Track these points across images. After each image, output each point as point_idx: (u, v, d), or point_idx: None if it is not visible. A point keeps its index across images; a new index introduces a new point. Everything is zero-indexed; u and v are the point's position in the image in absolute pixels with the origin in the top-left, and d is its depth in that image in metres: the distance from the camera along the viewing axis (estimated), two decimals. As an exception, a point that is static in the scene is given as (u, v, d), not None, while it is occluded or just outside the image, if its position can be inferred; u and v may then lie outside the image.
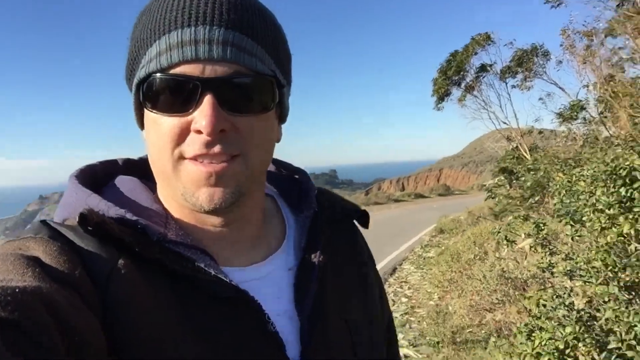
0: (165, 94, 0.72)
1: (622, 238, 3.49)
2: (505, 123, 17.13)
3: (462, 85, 17.80)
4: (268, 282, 0.83)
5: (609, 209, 3.51)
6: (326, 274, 0.87)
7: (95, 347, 0.61)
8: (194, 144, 0.73)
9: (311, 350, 0.81)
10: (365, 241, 1.03)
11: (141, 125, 0.80)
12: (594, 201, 3.81)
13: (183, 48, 0.70)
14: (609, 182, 3.59)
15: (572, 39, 14.08)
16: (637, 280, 3.80)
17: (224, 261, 0.80)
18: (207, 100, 0.70)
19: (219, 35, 0.70)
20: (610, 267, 3.81)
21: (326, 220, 0.93)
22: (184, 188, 0.75)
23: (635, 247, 3.46)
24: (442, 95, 17.80)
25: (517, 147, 15.96)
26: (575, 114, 12.35)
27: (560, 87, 15.95)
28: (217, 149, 0.72)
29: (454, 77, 17.49)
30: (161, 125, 0.73)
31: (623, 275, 3.79)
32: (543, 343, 3.57)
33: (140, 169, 0.90)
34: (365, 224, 0.99)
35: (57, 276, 0.64)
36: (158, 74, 0.71)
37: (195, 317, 0.72)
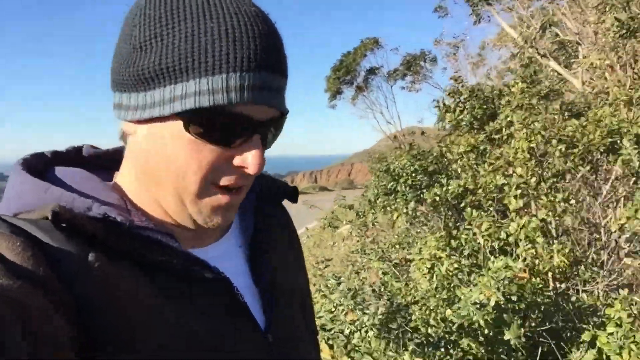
0: (220, 128, 0.73)
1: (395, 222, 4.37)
2: (390, 123, 18.33)
3: (354, 85, 18.86)
4: (226, 259, 0.86)
5: (376, 199, 4.37)
6: (273, 249, 0.94)
7: (64, 347, 0.60)
8: (231, 176, 0.76)
9: (274, 322, 0.86)
10: (289, 216, 1.10)
11: (137, 121, 0.77)
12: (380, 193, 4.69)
13: (247, 91, 0.71)
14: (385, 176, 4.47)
15: (445, 48, 15.45)
16: (405, 256, 4.70)
17: (186, 243, 0.81)
18: (257, 141, 0.74)
19: (275, 82, 0.73)
20: (388, 247, 4.70)
21: (266, 199, 0.99)
22: (203, 209, 0.78)
23: (406, 229, 4.31)
24: (334, 93, 18.77)
25: (399, 145, 17.21)
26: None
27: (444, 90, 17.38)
28: (248, 181, 0.79)
29: (346, 77, 18.49)
30: (202, 151, 0.73)
31: (395, 255, 4.68)
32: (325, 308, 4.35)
33: (72, 160, 0.87)
34: (295, 198, 1.05)
35: (22, 274, 0.62)
36: (222, 108, 0.71)
37: (173, 302, 0.73)
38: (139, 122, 0.76)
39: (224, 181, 0.76)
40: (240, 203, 0.82)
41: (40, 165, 0.82)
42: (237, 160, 0.75)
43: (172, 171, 0.75)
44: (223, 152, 0.74)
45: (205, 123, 0.72)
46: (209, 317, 0.76)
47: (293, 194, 1.03)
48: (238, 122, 0.73)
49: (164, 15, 0.71)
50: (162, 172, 0.76)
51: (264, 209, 0.97)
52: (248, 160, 0.74)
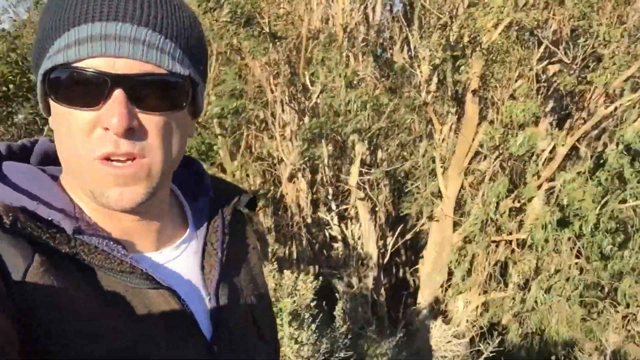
0: (74, 87, 0.68)
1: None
2: None
3: None
4: (177, 267, 0.84)
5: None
6: (227, 256, 0.90)
7: (4, 350, 0.58)
8: (103, 142, 0.69)
9: (222, 330, 0.83)
10: (249, 223, 1.07)
11: (47, 112, 0.76)
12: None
13: (93, 43, 0.67)
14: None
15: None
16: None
17: (134, 251, 0.79)
18: (116, 96, 0.68)
19: (131, 32, 0.68)
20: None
21: (221, 204, 0.94)
22: (94, 186, 0.72)
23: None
24: None
25: None
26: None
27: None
28: (126, 147, 0.69)
29: None
30: (70, 118, 0.69)
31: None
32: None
33: (24, 155, 0.82)
34: (254, 207, 1.01)
35: None
36: (66, 67, 0.68)
37: (118, 308, 0.72)
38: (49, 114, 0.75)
39: (98, 150, 0.69)
40: (153, 182, 0.74)
41: None
42: (103, 123, 0.68)
43: (62, 149, 0.73)
44: (90, 116, 0.68)
45: (61, 85, 0.69)
46: (151, 327, 0.73)
47: (251, 202, 0.99)
48: (92, 78, 0.67)
49: (46, 5, 0.73)
50: (62, 153, 0.74)
51: (219, 214, 0.93)
52: (110, 119, 0.67)
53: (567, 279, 8.02)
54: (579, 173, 8.04)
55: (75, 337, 0.65)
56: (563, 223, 7.86)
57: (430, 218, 8.91)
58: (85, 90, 0.68)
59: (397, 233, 9.77)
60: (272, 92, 8.02)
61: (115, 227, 0.77)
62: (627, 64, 7.52)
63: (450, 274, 8.74)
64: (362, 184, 8.25)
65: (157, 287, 0.74)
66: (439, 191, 8.58)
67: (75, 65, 0.68)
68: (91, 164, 0.70)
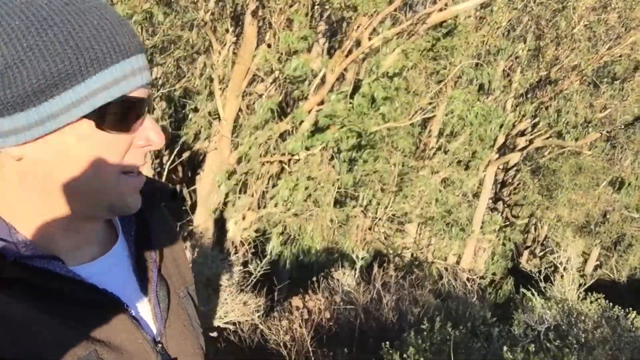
0: (124, 115, 0.74)
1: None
2: None
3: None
4: (115, 271, 0.85)
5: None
6: (158, 253, 0.93)
7: None
8: (136, 158, 0.78)
9: (166, 329, 0.88)
10: (169, 216, 1.09)
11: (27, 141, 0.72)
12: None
13: (138, 74, 0.75)
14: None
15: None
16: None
17: (75, 260, 0.80)
18: (150, 118, 0.79)
19: (144, 61, 0.77)
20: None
21: (146, 205, 0.92)
22: (117, 198, 0.79)
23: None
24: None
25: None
26: None
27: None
28: (148, 158, 0.86)
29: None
30: (113, 143, 0.75)
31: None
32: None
33: None
34: (175, 199, 1.03)
35: None
36: (124, 97, 0.74)
37: (66, 327, 0.73)
38: (27, 142, 0.71)
39: (133, 165, 0.78)
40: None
41: None
42: (141, 141, 0.78)
43: (84, 175, 0.75)
44: (129, 138, 0.76)
45: (115, 115, 0.74)
46: (103, 337, 0.76)
47: (172, 195, 1.02)
48: (136, 106, 0.76)
49: (31, 25, 0.68)
50: (71, 181, 0.75)
51: (145, 213, 0.93)
52: (151, 137, 0.78)
53: (323, 188, 8.97)
54: (341, 93, 8.85)
55: None
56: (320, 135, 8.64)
57: (208, 139, 8.93)
58: (131, 116, 0.76)
59: (174, 152, 9.63)
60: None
61: (51, 242, 0.78)
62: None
63: (226, 194, 9.03)
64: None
65: (101, 297, 0.77)
66: (217, 112, 8.60)
67: (131, 95, 0.75)
68: (118, 179, 0.77)
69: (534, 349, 3.84)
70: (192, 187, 10.41)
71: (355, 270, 6.83)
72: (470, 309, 5.66)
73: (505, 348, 3.73)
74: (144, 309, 0.87)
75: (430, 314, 4.79)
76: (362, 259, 7.03)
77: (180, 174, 11.83)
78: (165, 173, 9.46)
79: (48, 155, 0.73)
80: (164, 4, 7.91)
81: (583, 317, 4.65)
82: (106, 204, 0.79)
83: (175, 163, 10.29)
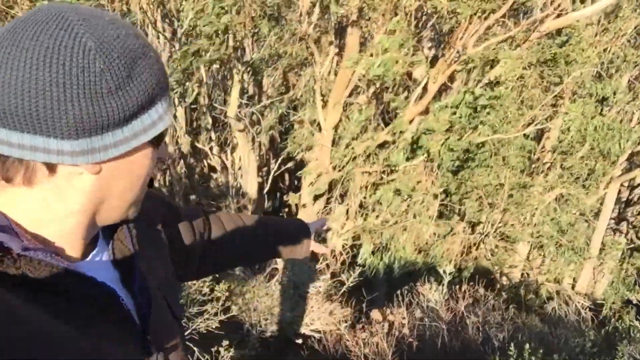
0: (163, 136, 0.90)
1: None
2: None
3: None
4: (104, 271, 0.91)
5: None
6: (136, 246, 0.98)
7: None
8: (155, 170, 0.91)
9: (151, 323, 0.92)
10: (158, 200, 1.19)
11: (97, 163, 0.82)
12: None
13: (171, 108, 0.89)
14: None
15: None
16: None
17: (70, 258, 0.85)
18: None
19: None
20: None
21: None
22: (137, 205, 0.92)
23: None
24: None
25: None
26: None
27: None
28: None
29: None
30: (151, 160, 0.88)
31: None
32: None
33: None
34: (151, 184, 1.08)
35: None
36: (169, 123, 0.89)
37: (69, 320, 0.76)
38: (110, 159, 0.81)
39: (151, 176, 0.91)
40: None
41: None
42: (160, 157, 0.92)
43: (135, 189, 0.88)
44: (156, 154, 0.90)
45: (162, 137, 0.89)
46: (102, 330, 0.81)
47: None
48: (167, 129, 0.88)
49: (125, 56, 0.77)
50: (123, 195, 0.87)
51: None
52: (165, 151, 0.93)
53: (423, 201, 8.75)
54: (445, 103, 8.61)
55: (28, 354, 0.68)
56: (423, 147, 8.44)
57: (310, 149, 9.12)
58: (163, 136, 0.90)
59: (279, 160, 9.95)
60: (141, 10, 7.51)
61: (49, 242, 0.83)
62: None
63: (328, 203, 9.14)
64: (241, 116, 8.19)
65: (100, 290, 0.83)
66: (319, 123, 8.76)
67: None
68: (146, 187, 0.91)
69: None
70: (298, 194, 10.67)
71: (443, 285, 6.58)
72: (572, 337, 5.21)
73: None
74: (129, 301, 0.92)
75: (520, 338, 4.48)
76: (450, 274, 6.76)
77: (287, 182, 12.18)
78: (270, 180, 9.80)
79: (115, 174, 0.83)
80: (272, 18, 8.24)
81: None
82: (130, 211, 0.90)
83: (281, 170, 10.60)
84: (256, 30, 8.01)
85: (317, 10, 8.14)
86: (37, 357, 0.70)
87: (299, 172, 11.55)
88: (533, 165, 11.48)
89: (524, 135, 10.31)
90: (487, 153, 9.86)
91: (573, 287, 11.52)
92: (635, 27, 10.45)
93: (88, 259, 0.90)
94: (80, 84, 0.72)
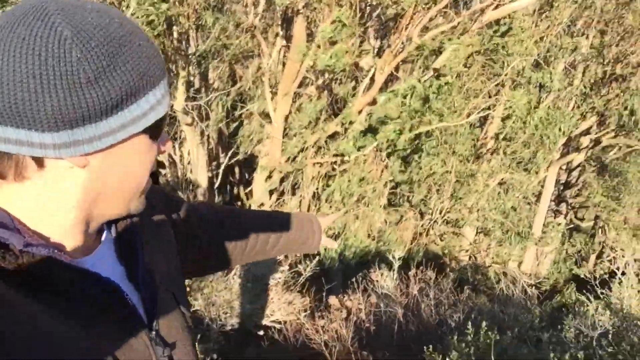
0: (161, 127, 0.85)
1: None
2: None
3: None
4: (105, 264, 0.88)
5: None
6: (142, 240, 0.95)
7: None
8: (155, 161, 0.88)
9: (157, 317, 0.91)
10: (159, 195, 1.15)
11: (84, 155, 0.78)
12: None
13: (169, 92, 0.85)
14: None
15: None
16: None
17: (73, 256, 0.83)
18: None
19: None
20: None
21: None
22: (141, 199, 0.89)
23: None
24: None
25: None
26: None
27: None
28: None
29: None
30: (151, 152, 0.84)
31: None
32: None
33: None
34: (156, 181, 1.06)
35: None
36: (166, 113, 0.84)
37: (70, 319, 0.75)
38: (96, 151, 0.77)
39: (153, 169, 0.88)
40: None
41: None
42: (162, 148, 0.89)
43: (132, 182, 0.85)
44: (157, 146, 0.86)
45: (158, 127, 0.84)
46: (104, 328, 0.79)
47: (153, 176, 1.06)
48: (166, 118, 0.85)
49: (105, 45, 0.73)
50: (120, 188, 0.83)
51: None
52: (167, 145, 0.90)
53: (374, 189, 8.89)
54: (391, 92, 8.77)
55: (28, 352, 0.68)
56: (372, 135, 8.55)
57: (261, 142, 9.07)
58: (162, 127, 0.86)
59: (230, 153, 9.85)
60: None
61: (58, 240, 0.81)
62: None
63: (281, 194, 9.13)
64: (188, 110, 8.05)
65: (104, 286, 0.81)
66: (269, 115, 8.72)
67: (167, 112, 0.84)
68: (145, 180, 0.87)
69: (583, 356, 3.63)
70: (249, 188, 10.61)
71: (394, 271, 6.73)
72: (521, 314, 5.44)
73: (552, 355, 3.55)
74: (134, 298, 0.89)
75: (476, 317, 4.65)
76: (400, 259, 6.92)
77: (237, 176, 12.08)
78: (220, 174, 9.69)
79: (106, 167, 0.79)
80: (216, 10, 8.11)
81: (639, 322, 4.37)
82: (132, 205, 0.87)
83: (231, 162, 10.50)
84: (200, 22, 7.87)
85: (262, 1, 8.09)
86: (37, 357, 0.69)
87: (252, 166, 11.50)
88: (479, 151, 11.85)
89: (469, 123, 10.64)
90: (435, 141, 10.11)
91: (519, 267, 12.00)
92: (569, 16, 10.93)
93: (92, 254, 0.87)
94: (57, 75, 0.70)
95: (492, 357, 3.80)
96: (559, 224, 12.61)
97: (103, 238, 0.91)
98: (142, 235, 0.96)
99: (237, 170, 11.93)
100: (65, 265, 0.76)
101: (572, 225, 13.82)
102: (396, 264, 6.83)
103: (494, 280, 10.47)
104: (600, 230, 13.88)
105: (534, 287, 10.19)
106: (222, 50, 8.74)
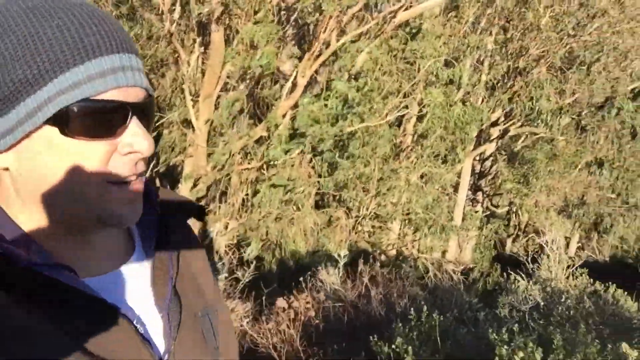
0: (92, 119, 0.69)
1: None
2: None
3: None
4: (129, 288, 0.83)
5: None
6: (177, 268, 0.90)
7: None
8: (124, 167, 0.72)
9: (175, 345, 0.83)
10: (193, 231, 1.05)
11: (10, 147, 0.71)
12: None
13: (112, 75, 0.70)
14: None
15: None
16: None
17: (86, 275, 0.77)
18: (137, 123, 0.72)
19: (133, 61, 0.72)
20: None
21: (169, 218, 0.92)
22: (108, 210, 0.74)
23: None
24: None
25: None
26: None
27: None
28: (142, 167, 0.75)
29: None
30: (82, 150, 0.70)
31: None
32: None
33: None
34: (202, 216, 1.01)
35: None
36: (85, 100, 0.69)
37: (71, 334, 0.71)
38: (1, 152, 0.71)
39: (120, 174, 0.73)
40: (142, 208, 0.79)
41: None
42: (125, 148, 0.72)
43: (62, 185, 0.71)
44: (108, 145, 0.71)
45: (81, 120, 0.69)
46: (104, 352, 0.73)
47: (199, 212, 0.98)
48: (113, 109, 0.71)
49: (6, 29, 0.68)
50: (52, 191, 0.72)
51: (167, 228, 0.91)
52: (137, 143, 0.72)
53: (303, 191, 8.99)
54: (316, 96, 8.91)
55: None
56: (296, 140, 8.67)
57: (183, 152, 8.90)
58: (105, 120, 0.70)
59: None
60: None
61: (65, 253, 0.76)
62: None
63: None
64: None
65: (107, 310, 0.74)
66: (191, 123, 8.58)
67: (98, 98, 0.69)
68: (104, 189, 0.72)
69: (518, 329, 3.88)
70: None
71: (339, 269, 6.86)
72: (457, 297, 5.72)
73: (490, 330, 3.77)
74: (156, 324, 0.83)
75: (417, 304, 4.84)
76: (344, 256, 7.07)
77: (158, 185, 11.76)
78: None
79: (25, 165, 0.72)
80: (128, 19, 7.87)
81: (566, 295, 4.72)
82: (92, 215, 0.75)
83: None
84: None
85: (178, 8, 7.94)
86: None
87: (173, 176, 11.22)
88: (398, 150, 12.27)
89: (388, 123, 10.99)
90: (358, 142, 10.36)
91: (443, 255, 12.54)
92: (473, 15, 11.59)
93: (110, 272, 0.82)
94: None
95: (436, 339, 3.97)
96: (477, 212, 13.30)
97: (136, 251, 0.87)
98: (178, 260, 0.91)
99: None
100: (69, 288, 0.71)
101: (488, 212, 14.62)
102: (342, 262, 6.97)
103: (422, 270, 10.87)
104: (514, 214, 14.81)
105: (460, 273, 10.69)
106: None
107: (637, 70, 11.88)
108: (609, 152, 12.63)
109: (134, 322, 0.78)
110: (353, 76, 9.90)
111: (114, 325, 0.76)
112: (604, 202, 13.52)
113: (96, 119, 0.70)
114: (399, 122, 12.58)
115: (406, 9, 9.59)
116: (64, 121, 0.69)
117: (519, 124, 13.08)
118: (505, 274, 7.05)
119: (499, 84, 12.66)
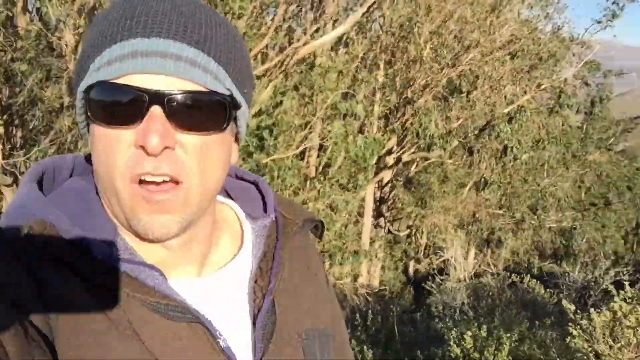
0: (113, 105, 0.64)
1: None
2: None
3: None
4: (220, 294, 0.76)
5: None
6: (282, 284, 0.81)
7: None
8: (138, 162, 0.63)
9: None
10: (316, 249, 0.95)
11: (87, 131, 0.71)
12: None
13: (134, 59, 0.63)
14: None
15: None
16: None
17: (174, 277, 0.72)
18: (153, 113, 0.63)
19: (173, 48, 0.64)
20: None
21: (284, 228, 0.85)
22: (128, 211, 0.67)
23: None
24: None
25: None
26: None
27: None
28: (164, 168, 0.64)
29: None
30: (108, 137, 0.65)
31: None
32: None
33: (88, 168, 0.77)
34: (320, 234, 0.93)
35: (10, 297, 0.60)
36: (105, 84, 0.64)
37: (147, 337, 0.66)
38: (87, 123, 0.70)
39: (133, 171, 0.64)
40: (191, 210, 0.69)
41: (53, 172, 0.77)
42: (137, 142, 0.63)
43: (98, 171, 0.68)
44: (126, 134, 0.64)
45: (99, 104, 0.65)
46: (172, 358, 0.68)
47: (318, 227, 0.91)
48: (130, 95, 0.63)
49: (94, 21, 0.71)
50: (97, 175, 0.68)
51: (278, 237, 0.84)
52: (146, 137, 0.62)
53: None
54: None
55: None
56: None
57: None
58: (124, 108, 0.64)
59: None
60: None
61: (153, 252, 0.71)
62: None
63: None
64: (8, 168, 7.32)
65: (190, 319, 0.69)
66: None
67: (114, 82, 0.64)
68: (126, 186, 0.65)
69: (459, 318, 4.26)
70: None
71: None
72: (388, 307, 6.03)
73: (436, 320, 4.10)
74: (245, 337, 0.76)
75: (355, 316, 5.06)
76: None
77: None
78: None
79: (91, 146, 0.69)
80: (30, 63, 7.63)
81: (488, 289, 5.22)
82: (121, 214, 0.68)
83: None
84: (11, 75, 7.31)
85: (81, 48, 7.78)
86: None
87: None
88: (305, 182, 12.63)
89: (295, 156, 11.35)
90: (268, 176, 10.57)
91: (355, 280, 12.95)
92: (362, 51, 12.47)
93: (203, 277, 0.77)
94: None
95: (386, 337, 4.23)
96: (382, 236, 13.95)
97: (231, 263, 0.80)
98: (280, 273, 0.82)
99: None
100: (149, 288, 0.67)
101: (392, 236, 15.35)
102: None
103: (340, 296, 11.17)
104: (414, 236, 15.68)
105: (374, 295, 11.12)
106: (38, 102, 8.17)
107: (510, 95, 13.42)
108: (494, 171, 13.96)
109: (216, 333, 0.72)
110: (257, 112, 10.17)
111: (188, 331, 0.70)
112: (495, 217, 14.82)
113: (114, 105, 0.64)
114: (302, 154, 13.01)
115: (305, 44, 10.15)
116: (92, 106, 0.66)
117: (411, 150, 14.07)
118: (420, 294, 7.46)
119: (391, 114, 13.59)
